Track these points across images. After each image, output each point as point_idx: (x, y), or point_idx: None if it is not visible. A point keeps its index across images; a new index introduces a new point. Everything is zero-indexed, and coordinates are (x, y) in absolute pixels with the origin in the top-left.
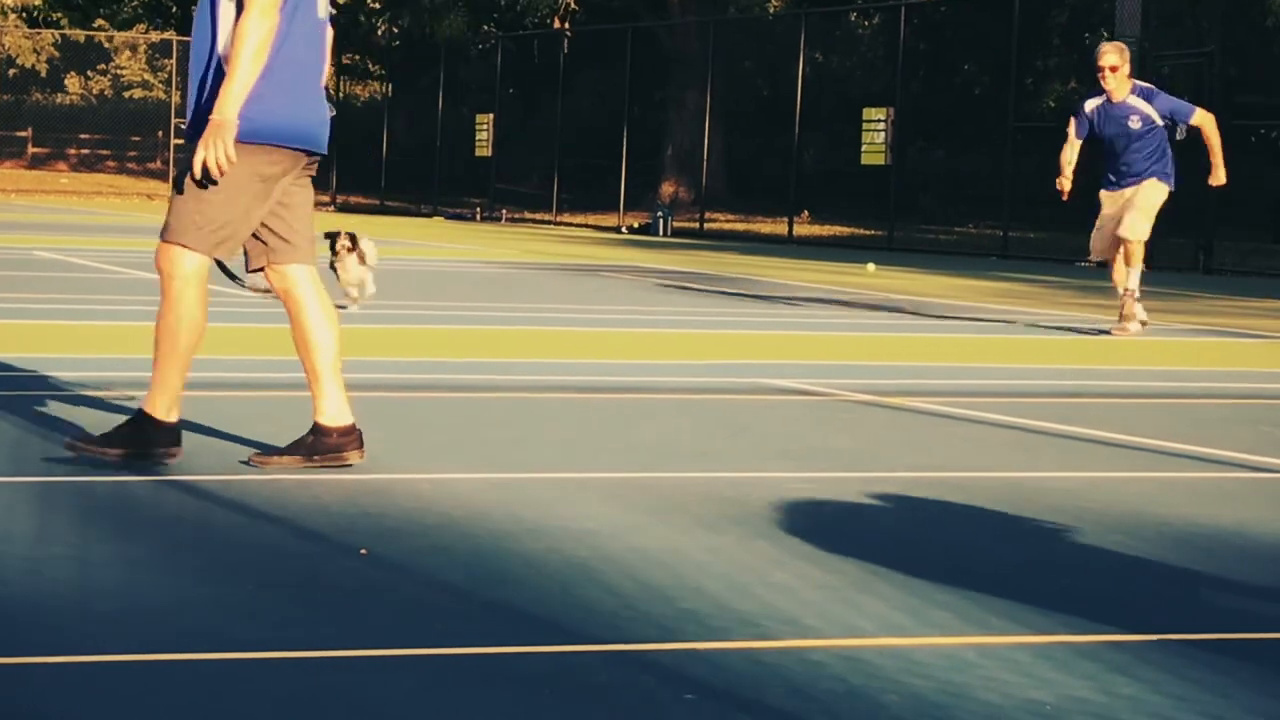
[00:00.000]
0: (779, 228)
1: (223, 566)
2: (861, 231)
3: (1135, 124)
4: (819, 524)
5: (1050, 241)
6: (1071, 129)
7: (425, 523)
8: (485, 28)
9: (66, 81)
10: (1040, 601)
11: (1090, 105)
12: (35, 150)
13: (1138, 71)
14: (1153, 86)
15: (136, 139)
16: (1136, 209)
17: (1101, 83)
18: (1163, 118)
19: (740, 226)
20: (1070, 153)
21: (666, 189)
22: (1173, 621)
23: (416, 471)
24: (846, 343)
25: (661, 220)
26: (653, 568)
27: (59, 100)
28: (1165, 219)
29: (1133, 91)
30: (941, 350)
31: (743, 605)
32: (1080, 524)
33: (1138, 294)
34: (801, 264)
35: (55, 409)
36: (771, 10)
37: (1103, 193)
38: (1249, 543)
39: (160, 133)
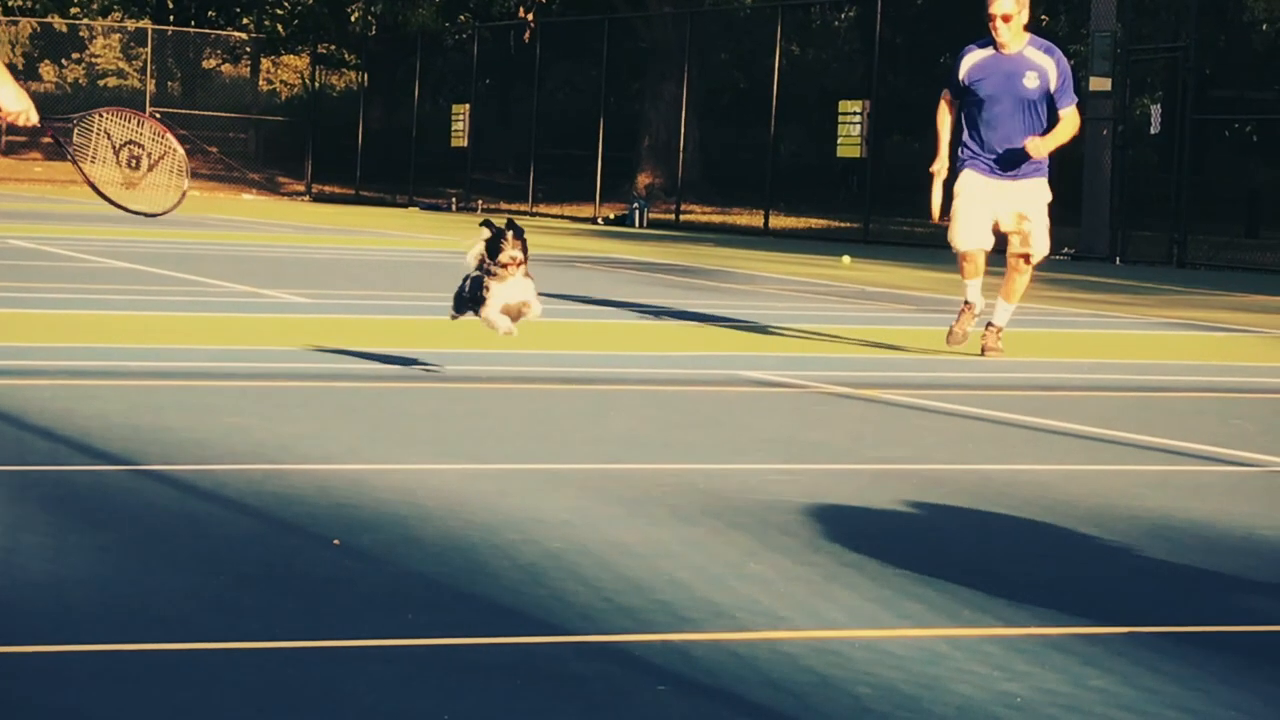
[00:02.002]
0: (755, 219)
1: (195, 556)
2: (837, 224)
3: (1031, 82)
4: (792, 516)
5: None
6: (944, 101)
7: (398, 513)
8: (461, 18)
9: (41, 69)
10: (1012, 594)
11: (971, 58)
12: (10, 138)
13: (1114, 66)
14: (1055, 47)
15: None
16: (1039, 219)
17: (993, 34)
18: (1055, 85)
19: (716, 218)
20: (944, 123)
21: (642, 180)
22: (1144, 614)
23: (389, 462)
24: (821, 335)
25: (637, 211)
26: (626, 559)
27: (34, 88)
28: (1138, 212)
29: (1030, 44)
30: (916, 343)
31: (716, 597)
32: (1053, 517)
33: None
34: (777, 256)
35: (30, 397)
36: (748, 2)
37: (971, 173)
38: (1221, 536)
39: None
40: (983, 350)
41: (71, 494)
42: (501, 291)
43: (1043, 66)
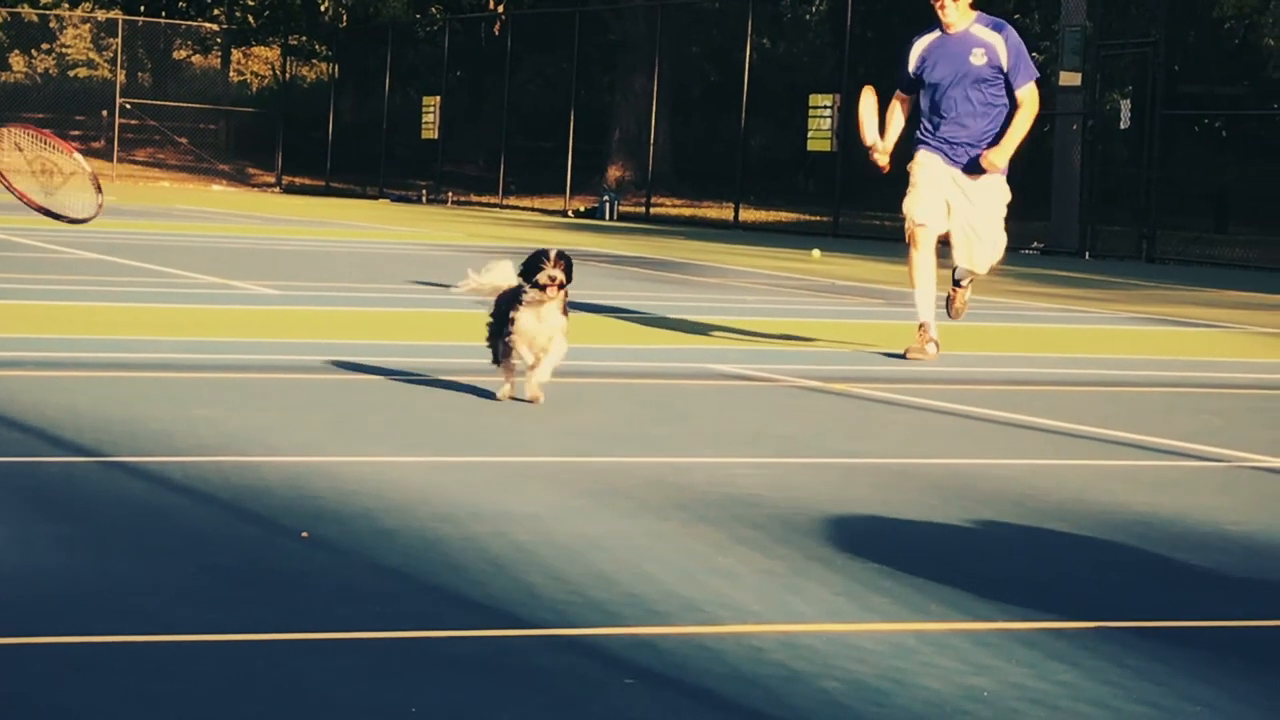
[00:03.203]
0: (725, 212)
1: (164, 548)
2: (807, 217)
3: (979, 59)
4: (761, 509)
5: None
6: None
7: (366, 506)
8: (433, 10)
9: (11, 60)
10: (980, 588)
11: (918, 45)
12: None
13: (1085, 61)
14: (1005, 23)
15: (81, 118)
16: (994, 222)
17: (939, 13)
18: (1008, 62)
19: (686, 211)
20: (890, 115)
21: (613, 173)
22: (1111, 609)
23: (358, 454)
24: (791, 328)
25: (608, 204)
26: (595, 552)
27: (3, 78)
28: (1108, 207)
29: (978, 22)
30: (885, 336)
31: (685, 590)
32: (1021, 511)
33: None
34: (747, 249)
35: None
36: None
37: (925, 153)
38: (1187, 531)
39: (105, 112)
40: (948, 306)
41: (40, 485)
42: (530, 322)
43: (990, 43)
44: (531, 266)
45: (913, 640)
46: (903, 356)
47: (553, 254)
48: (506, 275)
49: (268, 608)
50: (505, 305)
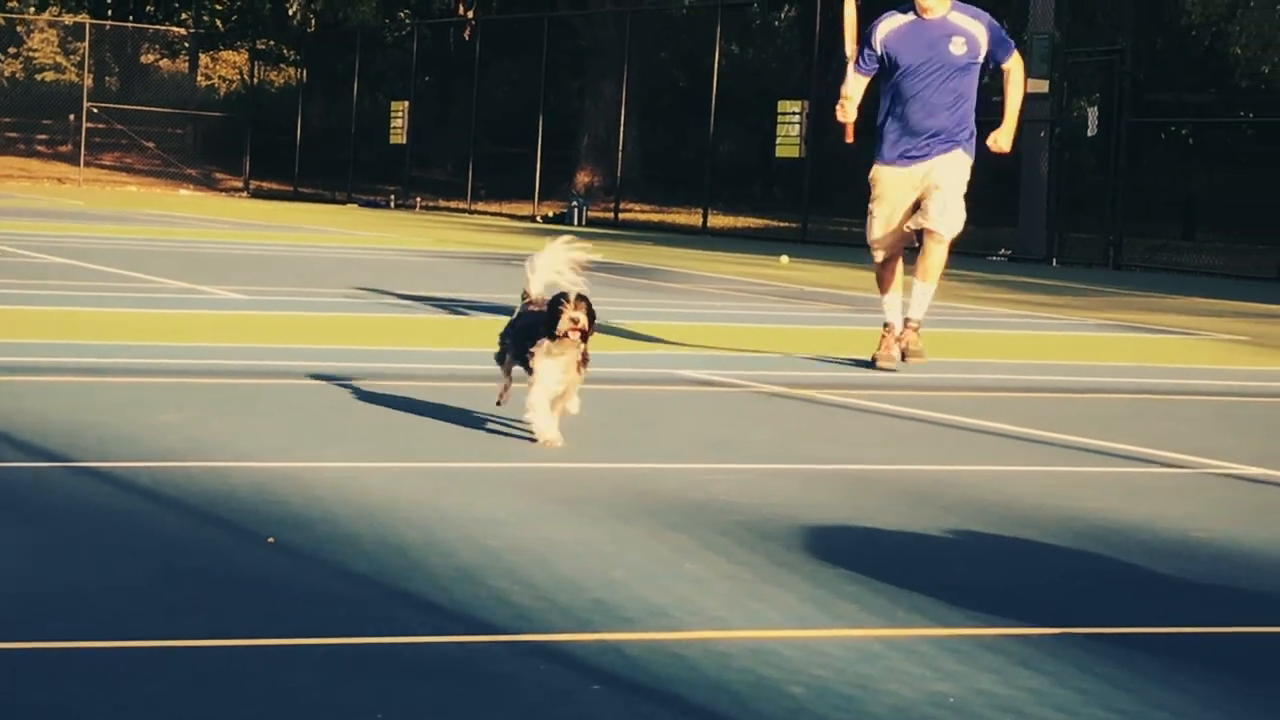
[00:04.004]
0: (693, 218)
1: (130, 553)
2: (775, 223)
3: (958, 48)
4: (728, 515)
5: (963, 234)
6: (850, 69)
7: (332, 510)
8: (401, 15)
9: None
10: (946, 594)
11: (889, 24)
12: None
13: (1052, 69)
14: (980, 11)
15: (48, 122)
16: (949, 191)
17: None
18: (987, 50)
19: (655, 217)
20: (852, 85)
21: (581, 179)
22: (1077, 615)
23: (325, 459)
24: (758, 334)
25: (576, 210)
26: (562, 558)
27: None
28: (1075, 214)
29: (955, 8)
30: (853, 343)
31: (652, 596)
32: (988, 517)
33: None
34: (715, 255)
35: None
36: (686, 1)
37: (883, 168)
38: (1154, 537)
39: (72, 116)
40: (903, 355)
41: (6, 490)
42: (551, 371)
43: (970, 31)
44: (553, 310)
45: (879, 646)
46: (871, 364)
47: (572, 295)
48: (552, 264)
49: (234, 613)
50: (528, 328)
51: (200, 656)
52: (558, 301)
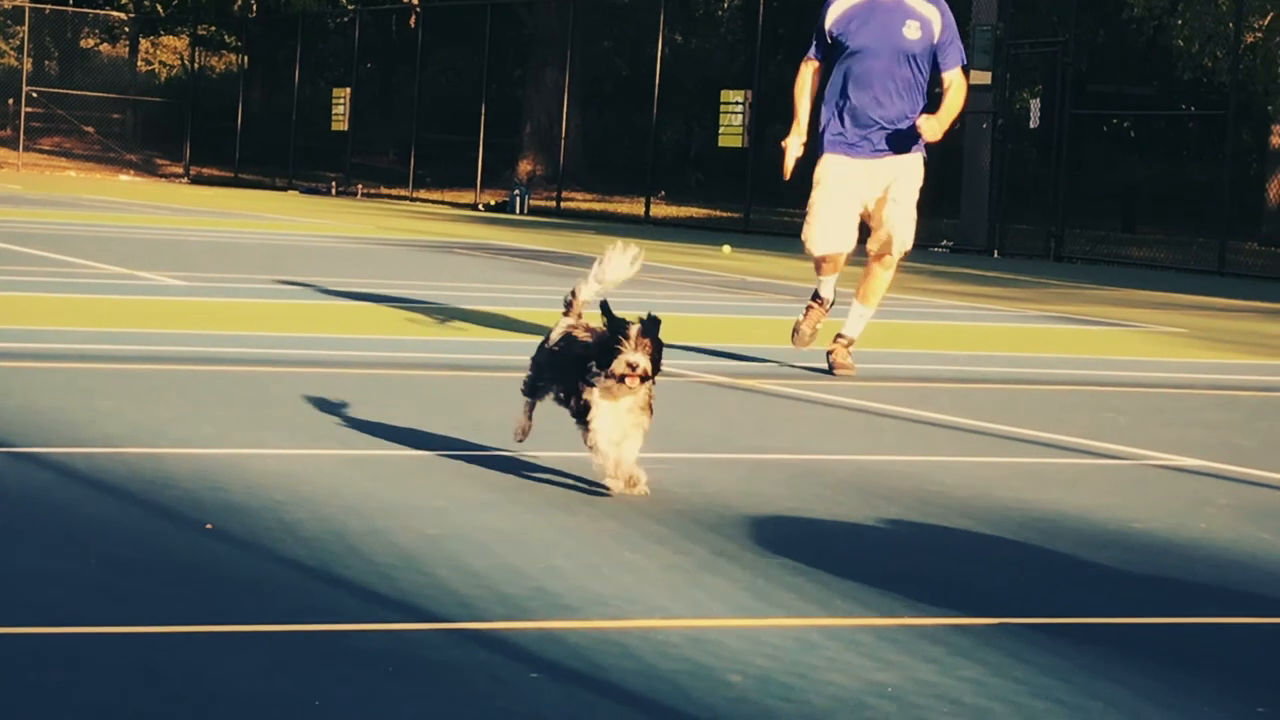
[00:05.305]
0: (636, 207)
1: (66, 540)
2: (717, 213)
3: (913, 32)
4: (669, 505)
5: None
6: (808, 63)
7: (272, 498)
8: (344, 1)
9: None
10: (885, 583)
11: (840, 4)
12: None
13: (995, 60)
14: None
15: None
16: (907, 209)
17: None
18: (940, 36)
19: (597, 206)
20: (803, 89)
21: (524, 167)
22: (1015, 605)
23: (264, 447)
24: (700, 324)
25: (518, 198)
26: (503, 546)
27: None
28: (1017, 206)
29: None
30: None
31: (593, 585)
32: (925, 507)
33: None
34: (658, 244)
35: None
36: None
37: (833, 159)
38: (1093, 528)
39: (11, 100)
40: (831, 367)
41: None
42: (611, 418)
43: (926, 16)
44: (606, 345)
45: (819, 636)
46: (829, 372)
47: (633, 331)
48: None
49: (172, 600)
50: (576, 355)
51: (137, 643)
52: (615, 336)
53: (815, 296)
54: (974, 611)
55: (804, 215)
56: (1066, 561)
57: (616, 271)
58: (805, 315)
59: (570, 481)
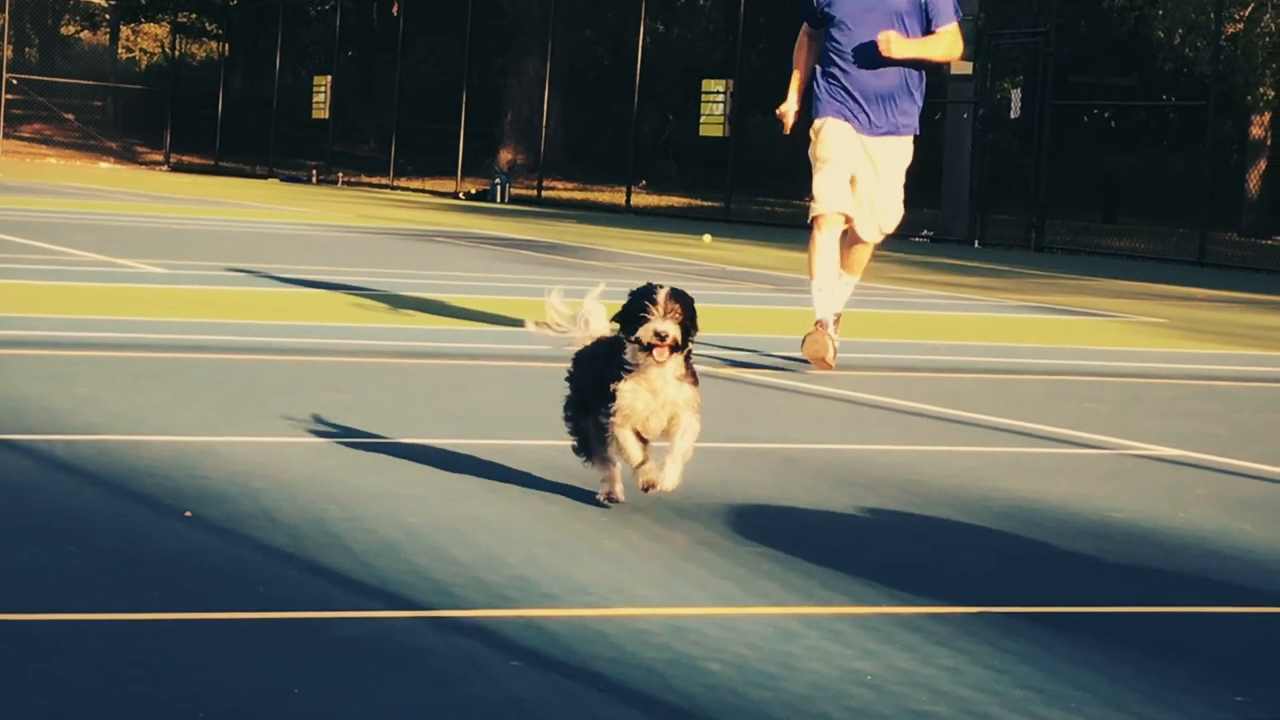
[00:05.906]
0: (617, 196)
1: (47, 528)
2: (698, 202)
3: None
4: (650, 494)
5: None
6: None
7: (251, 486)
8: None
9: None
10: (864, 572)
11: None
12: None
13: (976, 50)
14: None
15: None
16: (895, 191)
17: None
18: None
19: (578, 195)
20: (799, 55)
21: (505, 156)
22: (994, 594)
23: (244, 434)
24: None
25: (499, 187)
26: (483, 534)
27: None
28: (997, 196)
29: None
30: (775, 322)
31: (572, 573)
32: (906, 496)
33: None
34: (638, 233)
35: None
36: None
37: (833, 123)
38: (1071, 517)
39: None
40: (810, 360)
41: None
42: (637, 398)
43: None
44: (631, 313)
45: (798, 624)
46: (806, 362)
47: (661, 296)
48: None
49: (151, 588)
50: (598, 364)
51: (117, 631)
52: (642, 298)
53: (816, 322)
54: (953, 600)
55: (784, 204)
56: (1046, 550)
57: (598, 321)
58: (813, 339)
59: (551, 471)
